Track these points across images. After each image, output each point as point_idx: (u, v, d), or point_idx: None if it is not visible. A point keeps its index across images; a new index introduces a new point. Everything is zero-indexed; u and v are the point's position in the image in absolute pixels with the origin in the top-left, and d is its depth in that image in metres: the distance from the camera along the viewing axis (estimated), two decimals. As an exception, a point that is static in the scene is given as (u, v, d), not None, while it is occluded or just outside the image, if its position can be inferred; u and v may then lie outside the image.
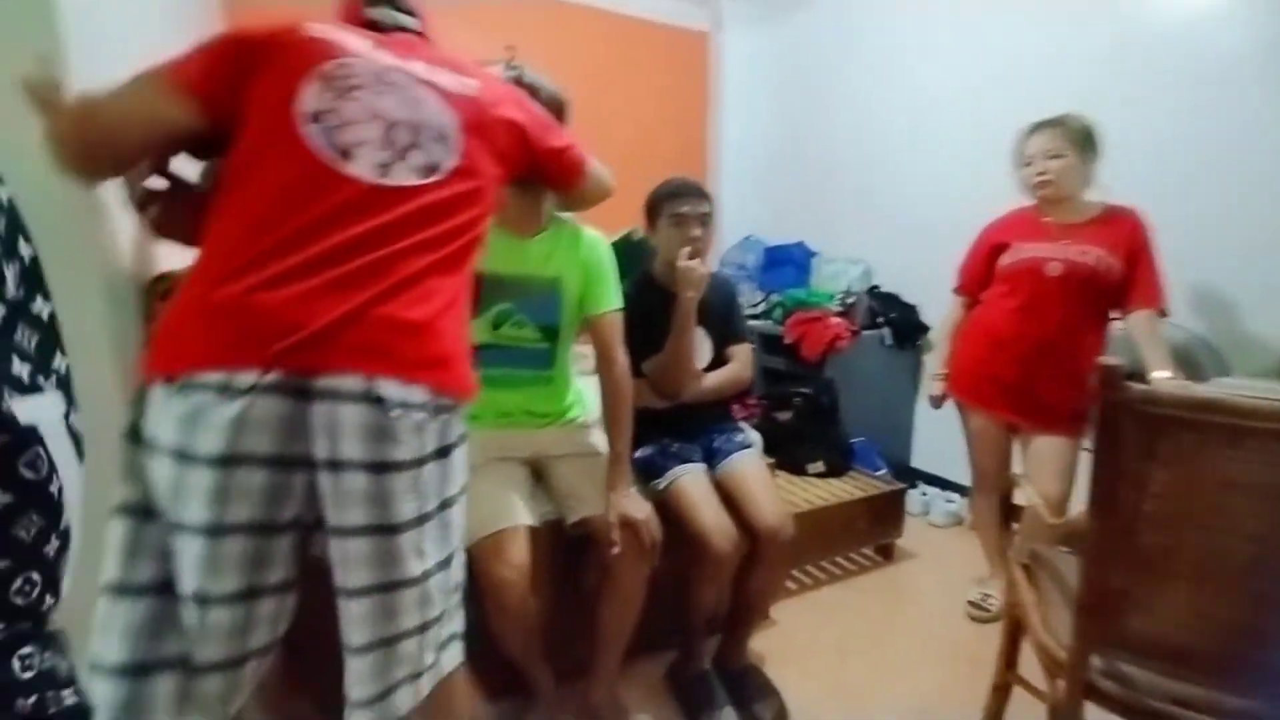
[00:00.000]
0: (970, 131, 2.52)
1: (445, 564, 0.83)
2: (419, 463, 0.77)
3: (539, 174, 1.09)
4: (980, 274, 1.80)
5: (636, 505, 1.27)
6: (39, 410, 0.38)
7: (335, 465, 0.72)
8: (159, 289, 1.17)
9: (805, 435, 2.32)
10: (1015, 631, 1.26)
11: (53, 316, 0.41)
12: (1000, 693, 1.29)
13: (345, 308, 0.73)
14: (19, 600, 0.35)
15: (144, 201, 0.97)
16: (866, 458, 2.41)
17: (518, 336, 1.31)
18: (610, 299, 1.33)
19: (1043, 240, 1.64)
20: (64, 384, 0.39)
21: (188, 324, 0.72)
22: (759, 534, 1.39)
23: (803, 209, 3.33)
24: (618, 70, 3.19)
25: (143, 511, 0.69)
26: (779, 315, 2.80)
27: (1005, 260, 1.71)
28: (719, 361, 1.63)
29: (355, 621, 0.77)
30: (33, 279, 0.40)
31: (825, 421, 2.39)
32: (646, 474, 1.49)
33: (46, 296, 0.41)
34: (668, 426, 1.53)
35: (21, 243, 0.40)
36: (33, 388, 0.38)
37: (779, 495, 1.50)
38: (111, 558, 0.68)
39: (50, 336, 0.41)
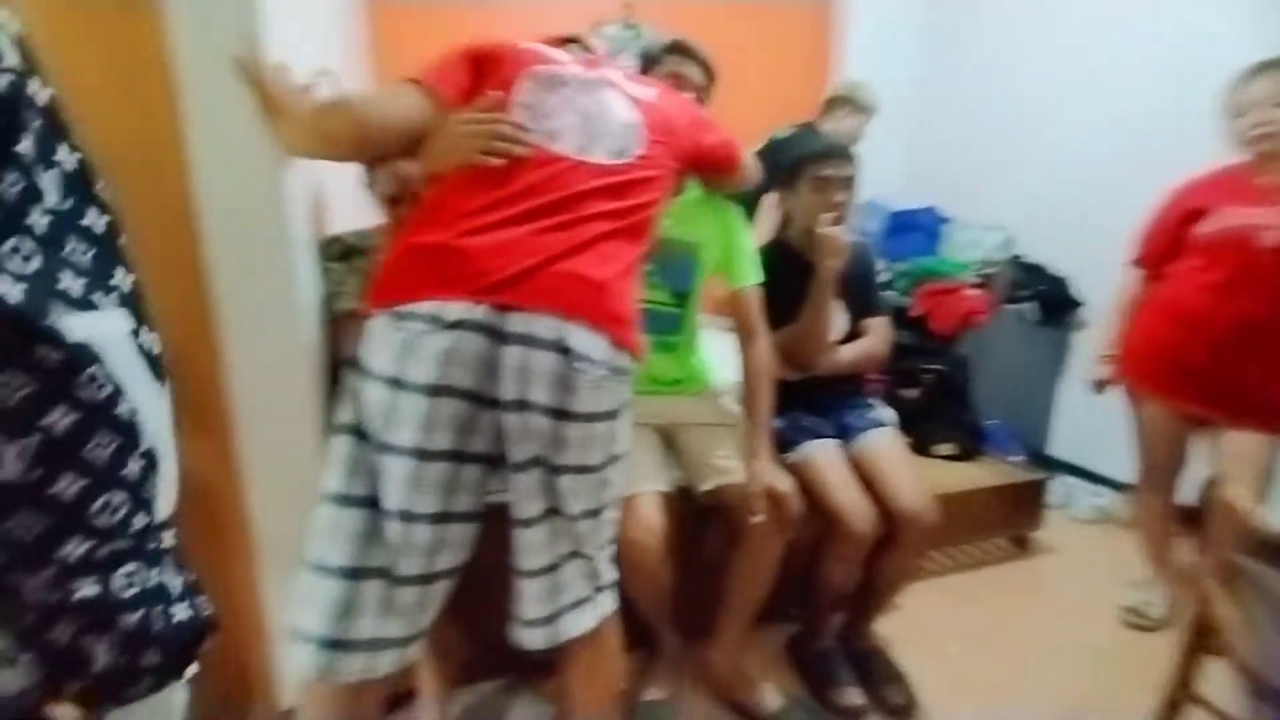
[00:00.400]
0: (1139, 90, 2.19)
1: (598, 512, 0.89)
2: (592, 418, 0.83)
3: (697, 167, 1.13)
4: (1167, 244, 1.56)
5: (780, 477, 1.25)
6: (94, 328, 0.35)
7: (522, 405, 0.79)
8: (332, 249, 1.26)
9: (934, 414, 2.18)
10: (1197, 648, 1.13)
11: (111, 229, 0.39)
12: (1171, 710, 1.17)
13: (542, 255, 0.82)
14: (101, 521, 0.34)
15: (390, 193, 1.10)
16: (999, 442, 2.23)
17: (650, 299, 1.30)
18: (751, 272, 1.31)
19: (1256, 205, 1.40)
20: (127, 301, 0.38)
21: (404, 264, 0.83)
22: (899, 517, 1.33)
23: (934, 171, 3.08)
24: (733, 26, 3.04)
25: (359, 432, 0.80)
26: (904, 286, 2.63)
27: (1204, 228, 1.47)
28: (853, 334, 1.55)
29: (528, 548, 0.86)
30: (79, 188, 0.37)
31: (956, 401, 2.23)
32: (776, 446, 1.45)
33: (102, 209, 0.39)
34: (798, 399, 1.48)
35: (63, 149, 0.37)
36: (85, 304, 0.35)
37: (920, 477, 1.41)
38: (333, 471, 0.81)
39: (107, 250, 0.39)
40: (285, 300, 1.07)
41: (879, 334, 1.55)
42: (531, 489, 0.83)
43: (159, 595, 0.37)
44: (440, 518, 0.80)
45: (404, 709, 1.23)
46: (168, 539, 0.39)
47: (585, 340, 0.80)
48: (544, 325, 0.78)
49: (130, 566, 0.35)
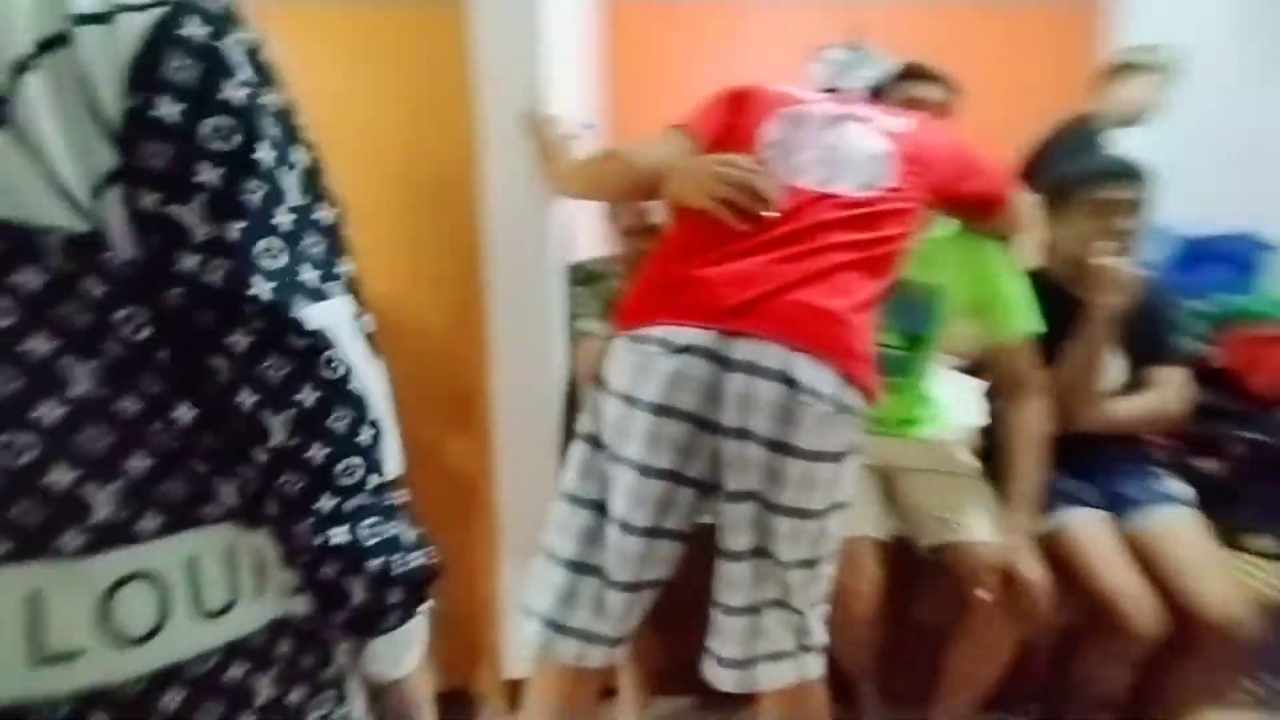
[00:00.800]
0: None
1: (813, 563, 0.84)
2: (816, 456, 0.79)
3: (954, 207, 1.08)
4: None
5: (1029, 561, 1.08)
6: (329, 314, 0.40)
7: (742, 434, 0.79)
8: (576, 274, 1.41)
9: (1245, 496, 1.70)
10: None
11: (336, 221, 0.43)
12: None
13: (774, 284, 0.82)
14: (343, 481, 0.39)
15: (629, 225, 1.31)
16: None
17: (878, 339, 1.24)
18: (1022, 320, 1.15)
19: None
20: (349, 288, 0.43)
21: (645, 291, 0.91)
22: (1201, 622, 1.06)
23: (1247, 187, 2.45)
24: (978, 30, 2.76)
25: (596, 442, 0.88)
26: (1203, 330, 2.11)
27: None
28: (1133, 386, 1.28)
29: (730, 583, 0.85)
30: (312, 185, 0.42)
31: (1278, 481, 1.72)
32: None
33: (329, 202, 0.43)
34: (1056, 457, 1.27)
35: (297, 151, 0.41)
36: (320, 294, 0.40)
37: (1230, 575, 1.11)
38: (570, 473, 0.91)
39: (334, 241, 0.43)
40: (542, 319, 1.22)
41: (1172, 388, 1.27)
42: (742, 522, 0.82)
43: (396, 544, 0.42)
44: (651, 532, 0.84)
45: (606, 705, 1.29)
46: (399, 496, 0.44)
47: (812, 372, 0.78)
48: (770, 354, 0.78)
49: (372, 519, 0.41)
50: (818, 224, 0.87)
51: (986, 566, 1.06)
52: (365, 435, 0.40)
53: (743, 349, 0.79)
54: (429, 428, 1.28)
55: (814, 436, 0.79)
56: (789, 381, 0.77)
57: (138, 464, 0.38)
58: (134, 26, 0.34)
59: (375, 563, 0.41)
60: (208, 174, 0.36)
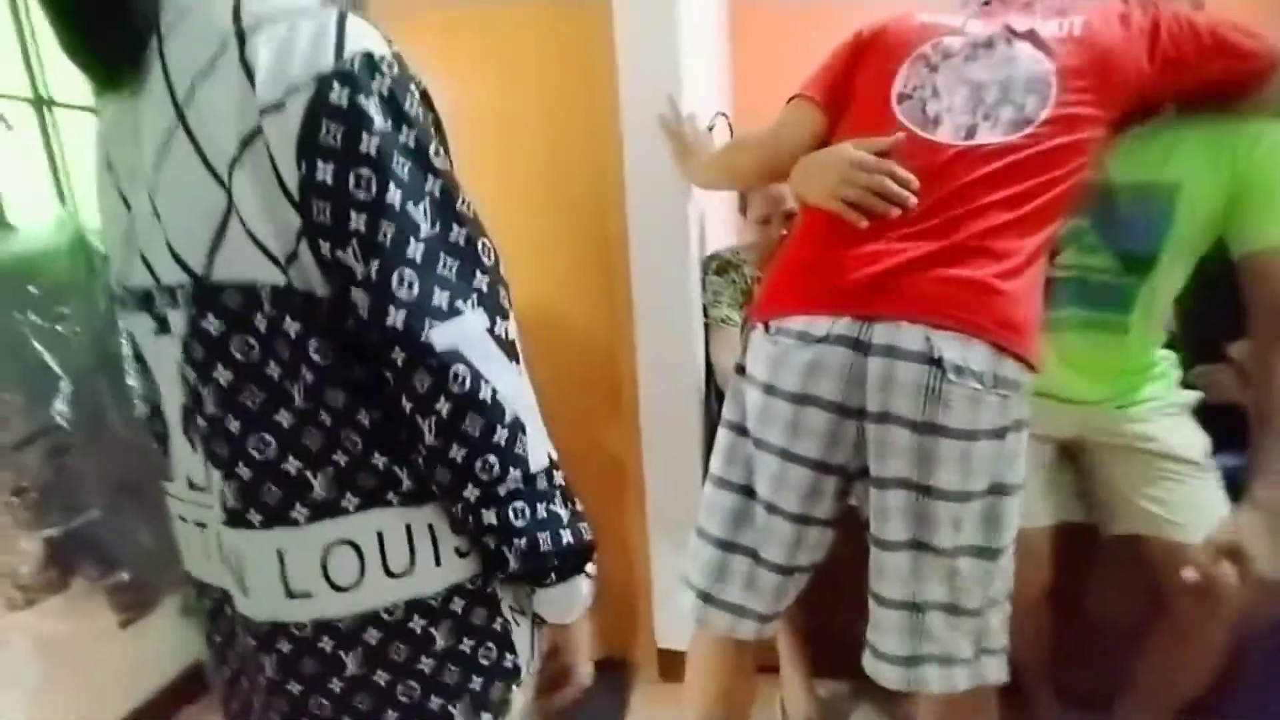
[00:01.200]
0: None
1: (985, 553, 0.78)
2: (969, 435, 0.74)
3: (1176, 89, 0.86)
4: None
5: (1258, 537, 0.87)
6: (458, 333, 0.44)
7: (884, 418, 0.76)
8: (711, 264, 1.45)
9: None
10: None
11: (469, 240, 0.47)
12: None
13: (912, 260, 0.77)
14: (483, 476, 0.47)
15: (762, 215, 1.31)
16: None
17: (1079, 263, 0.96)
18: None
19: None
20: (484, 300, 0.47)
21: (780, 281, 0.89)
22: None
23: None
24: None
25: (740, 429, 0.90)
26: None
27: None
28: None
29: (885, 573, 0.81)
30: (444, 209, 0.46)
31: None
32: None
33: (460, 223, 0.47)
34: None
35: (429, 181, 0.46)
36: (452, 312, 0.44)
37: None
38: (716, 458, 0.93)
39: (469, 259, 0.47)
40: (683, 309, 1.28)
41: None
42: (895, 510, 0.78)
43: (547, 523, 0.50)
44: (800, 519, 0.85)
45: (768, 682, 1.34)
46: (555, 479, 0.51)
47: (959, 350, 0.73)
48: (909, 335, 0.74)
49: (519, 503, 0.48)
50: (962, 186, 0.78)
51: (1219, 546, 0.88)
52: (500, 436, 0.47)
53: (881, 332, 0.76)
54: (582, 417, 1.39)
55: (965, 415, 0.74)
56: (934, 361, 0.73)
57: (340, 457, 0.48)
58: (298, 105, 0.42)
59: (523, 540, 0.49)
60: (355, 221, 0.43)
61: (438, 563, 0.51)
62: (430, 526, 0.51)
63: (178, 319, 0.48)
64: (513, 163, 1.33)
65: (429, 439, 0.46)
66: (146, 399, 0.56)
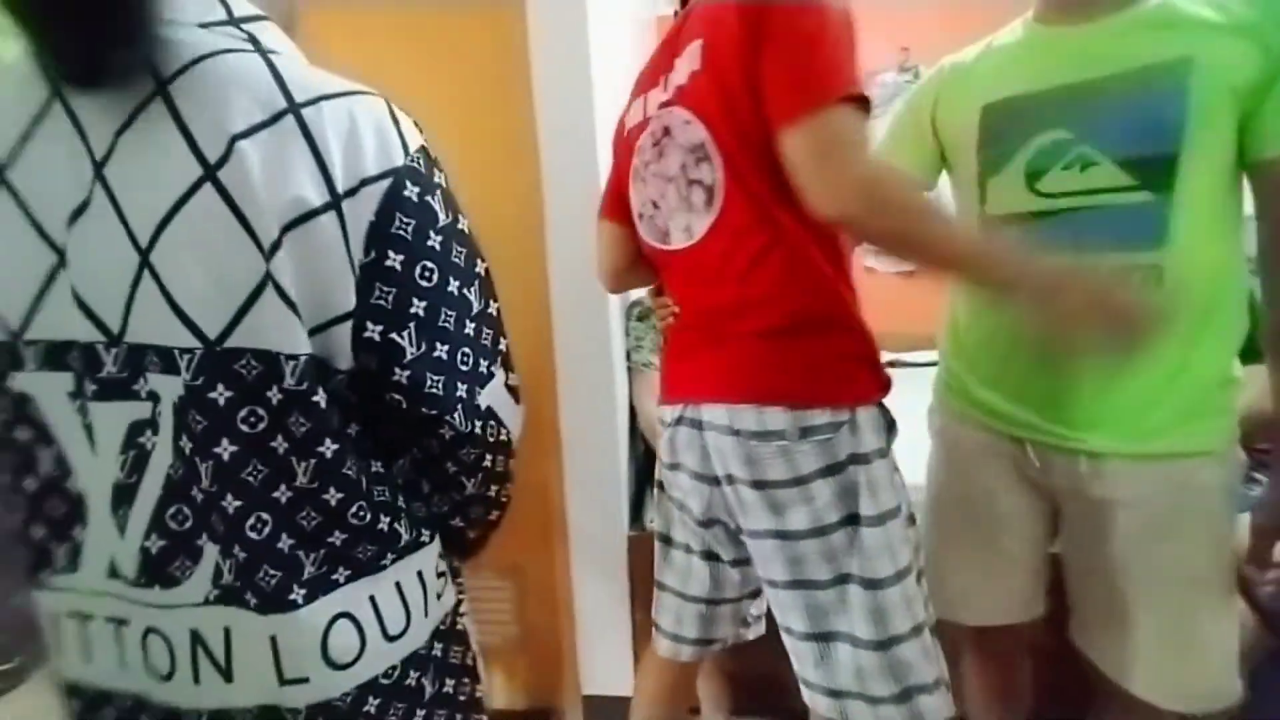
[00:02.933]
0: None
1: (869, 584, 0.79)
2: (800, 481, 0.77)
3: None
4: None
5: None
6: (492, 392, 0.52)
7: (730, 480, 0.82)
8: (634, 311, 1.51)
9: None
10: None
11: (499, 311, 0.55)
12: None
13: (703, 348, 0.85)
14: (504, 498, 0.60)
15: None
16: None
17: (1079, 190, 0.74)
18: None
19: None
20: (504, 358, 0.55)
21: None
22: None
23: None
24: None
25: (659, 483, 0.97)
26: None
27: None
28: None
29: (784, 609, 0.84)
30: (487, 287, 0.53)
31: None
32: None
33: (494, 296, 0.56)
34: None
35: (477, 263, 0.52)
36: (490, 376, 0.52)
37: None
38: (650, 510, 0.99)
39: (498, 328, 0.54)
40: (606, 353, 1.32)
41: None
42: (771, 556, 0.81)
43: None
44: (711, 557, 0.91)
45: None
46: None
47: (754, 417, 0.77)
48: (717, 414, 0.80)
49: (497, 512, 0.61)
50: (706, 278, 0.80)
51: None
52: (510, 465, 0.58)
53: (704, 412, 0.82)
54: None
55: (784, 468, 0.77)
56: (737, 432, 0.79)
57: (337, 535, 0.48)
58: (373, 195, 0.45)
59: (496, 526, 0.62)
60: (417, 307, 0.47)
61: (426, 613, 0.53)
62: (419, 574, 0.53)
63: (166, 385, 0.44)
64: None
65: (471, 488, 0.55)
66: (26, 473, 0.48)
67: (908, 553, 0.79)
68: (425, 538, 0.54)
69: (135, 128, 0.42)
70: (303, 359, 0.44)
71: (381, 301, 0.46)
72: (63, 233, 0.44)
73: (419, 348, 0.47)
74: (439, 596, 0.55)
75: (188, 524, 0.45)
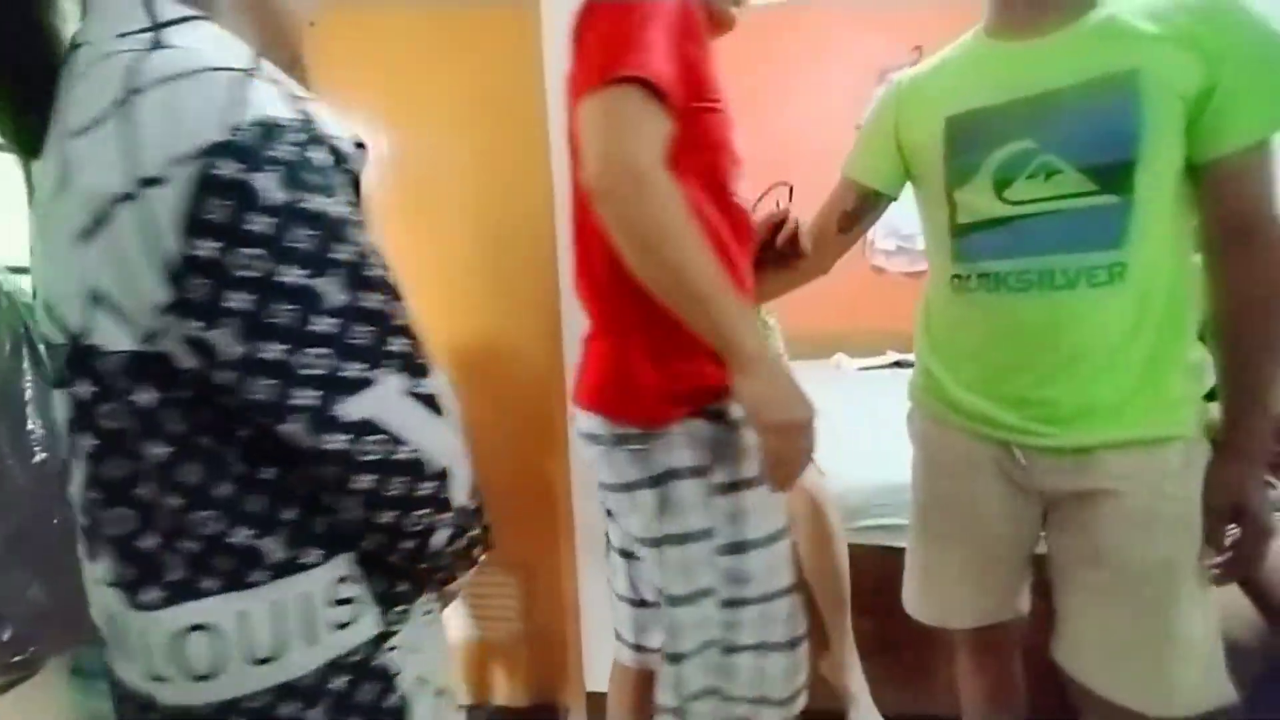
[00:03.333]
0: None
1: (684, 600, 0.77)
2: (627, 487, 0.77)
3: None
4: None
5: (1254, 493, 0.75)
6: (370, 403, 0.44)
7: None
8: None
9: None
10: None
11: (384, 303, 0.46)
12: None
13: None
14: (416, 527, 0.49)
15: None
16: None
17: (1045, 196, 0.77)
18: (1262, 121, 0.70)
19: None
20: (404, 362, 0.46)
21: None
22: None
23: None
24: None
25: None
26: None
27: None
28: None
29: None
30: (357, 277, 0.44)
31: None
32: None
33: (373, 288, 0.45)
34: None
35: (338, 250, 0.43)
36: (363, 383, 0.44)
37: None
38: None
39: (383, 323, 0.45)
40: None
41: None
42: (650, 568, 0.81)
43: (466, 549, 0.55)
44: (623, 552, 0.91)
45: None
46: (475, 506, 0.55)
47: (585, 421, 0.80)
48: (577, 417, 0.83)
49: (445, 533, 0.51)
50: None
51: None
52: (425, 489, 0.48)
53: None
54: (511, 455, 1.40)
55: (608, 472, 0.79)
56: (581, 434, 0.82)
57: (189, 544, 0.45)
58: (181, 177, 0.39)
59: (446, 560, 0.53)
60: (237, 301, 0.40)
61: (314, 641, 0.47)
62: (306, 597, 0.47)
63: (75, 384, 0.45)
64: (442, 193, 1.37)
65: (356, 512, 0.46)
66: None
67: (709, 578, 0.76)
68: (314, 559, 0.47)
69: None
70: (117, 356, 0.42)
71: (195, 296, 0.41)
72: None
73: (240, 347, 0.41)
74: (341, 626, 0.48)
75: (92, 515, 0.47)
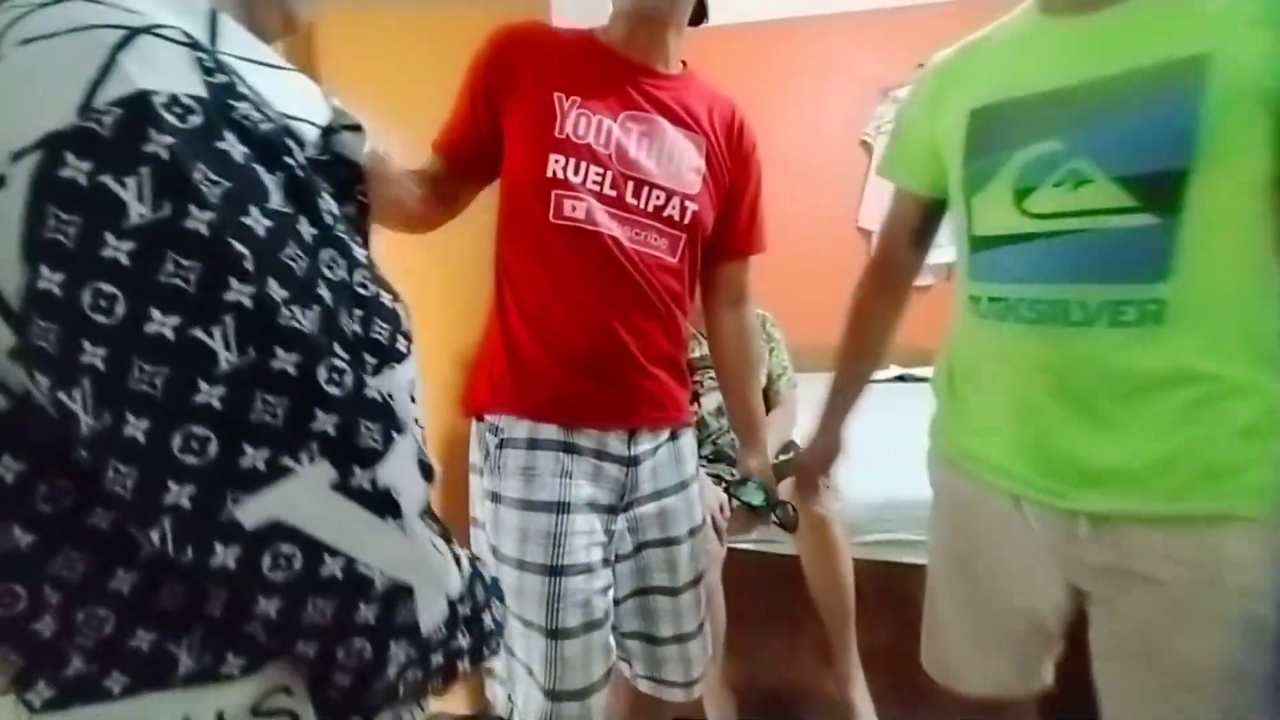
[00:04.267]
0: None
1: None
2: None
3: None
4: None
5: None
6: (283, 501, 0.31)
7: None
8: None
9: None
10: None
11: (305, 365, 0.31)
12: None
13: None
14: (352, 662, 0.36)
15: None
16: None
17: (1063, 211, 0.63)
18: None
19: None
20: (331, 445, 0.32)
21: None
22: None
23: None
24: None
25: None
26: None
27: None
28: None
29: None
30: (262, 327, 0.30)
31: None
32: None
33: (288, 346, 0.31)
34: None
35: (228, 293, 0.29)
36: (275, 473, 0.31)
37: None
38: None
39: (305, 391, 0.31)
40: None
41: None
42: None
43: (442, 668, 0.39)
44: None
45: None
46: (460, 611, 0.40)
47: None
48: None
49: (410, 673, 0.38)
50: None
51: None
52: (367, 613, 0.34)
53: None
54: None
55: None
56: None
57: (80, 639, 0.34)
58: (20, 180, 0.28)
59: (417, 694, 0.40)
60: (90, 356, 0.28)
61: None
62: (219, 715, 0.36)
63: None
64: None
65: (266, 638, 0.35)
66: None
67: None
68: (235, 671, 0.36)
69: None
70: None
71: (41, 342, 0.29)
72: None
73: (98, 417, 0.29)
74: None
75: None
